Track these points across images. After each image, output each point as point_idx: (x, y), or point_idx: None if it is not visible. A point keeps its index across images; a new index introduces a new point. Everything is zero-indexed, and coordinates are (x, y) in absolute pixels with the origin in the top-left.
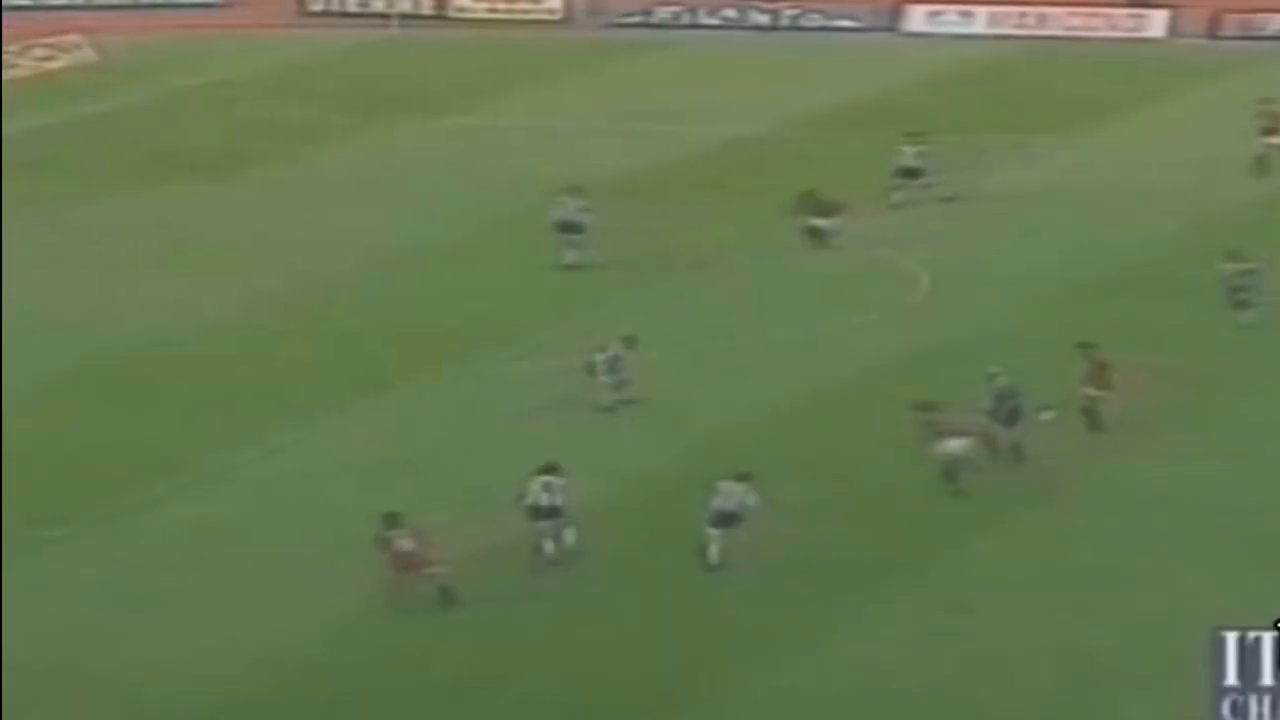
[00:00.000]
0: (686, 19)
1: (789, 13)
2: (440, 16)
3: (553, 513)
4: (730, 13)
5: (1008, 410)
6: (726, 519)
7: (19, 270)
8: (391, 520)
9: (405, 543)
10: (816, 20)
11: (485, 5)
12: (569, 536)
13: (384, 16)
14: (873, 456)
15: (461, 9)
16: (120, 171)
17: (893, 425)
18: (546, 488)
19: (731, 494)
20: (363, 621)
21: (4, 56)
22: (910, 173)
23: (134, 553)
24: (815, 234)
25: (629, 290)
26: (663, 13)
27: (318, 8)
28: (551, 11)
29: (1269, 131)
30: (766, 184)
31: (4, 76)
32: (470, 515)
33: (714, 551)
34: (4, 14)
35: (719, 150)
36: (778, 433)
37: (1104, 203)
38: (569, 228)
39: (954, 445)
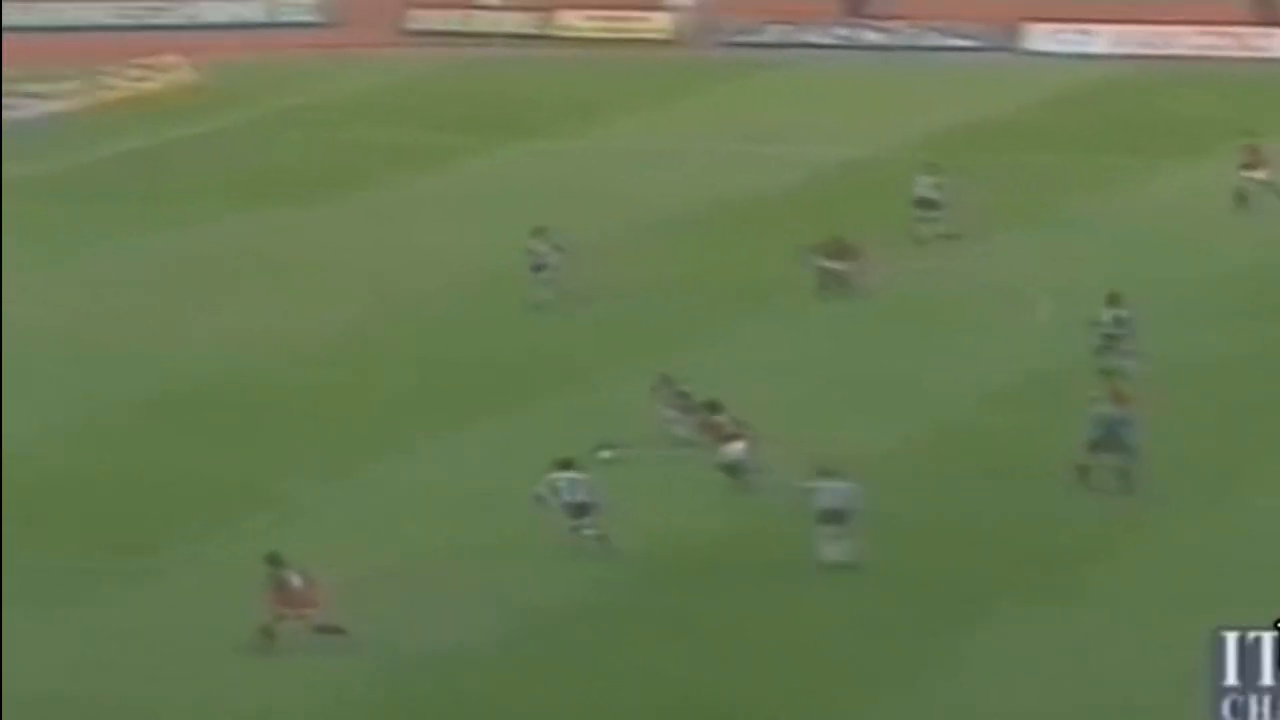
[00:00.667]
0: (798, 38)
1: (904, 32)
2: (545, 36)
3: (584, 509)
4: (843, 32)
5: (1113, 437)
6: (836, 516)
7: (110, 294)
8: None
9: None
10: (932, 39)
11: (593, 24)
12: (601, 528)
13: (487, 36)
14: (988, 485)
15: (568, 27)
16: (215, 195)
17: (1007, 453)
18: (570, 484)
19: (835, 490)
20: (453, 655)
21: (102, 76)
22: (928, 204)
23: (221, 585)
24: (831, 277)
25: (736, 316)
26: (774, 32)
27: (419, 27)
28: (661, 30)
29: (1248, 166)
30: (880, 208)
31: (101, 96)
32: (561, 549)
33: (830, 550)
34: (103, 33)
35: (832, 173)
36: (895, 462)
37: (1227, 223)
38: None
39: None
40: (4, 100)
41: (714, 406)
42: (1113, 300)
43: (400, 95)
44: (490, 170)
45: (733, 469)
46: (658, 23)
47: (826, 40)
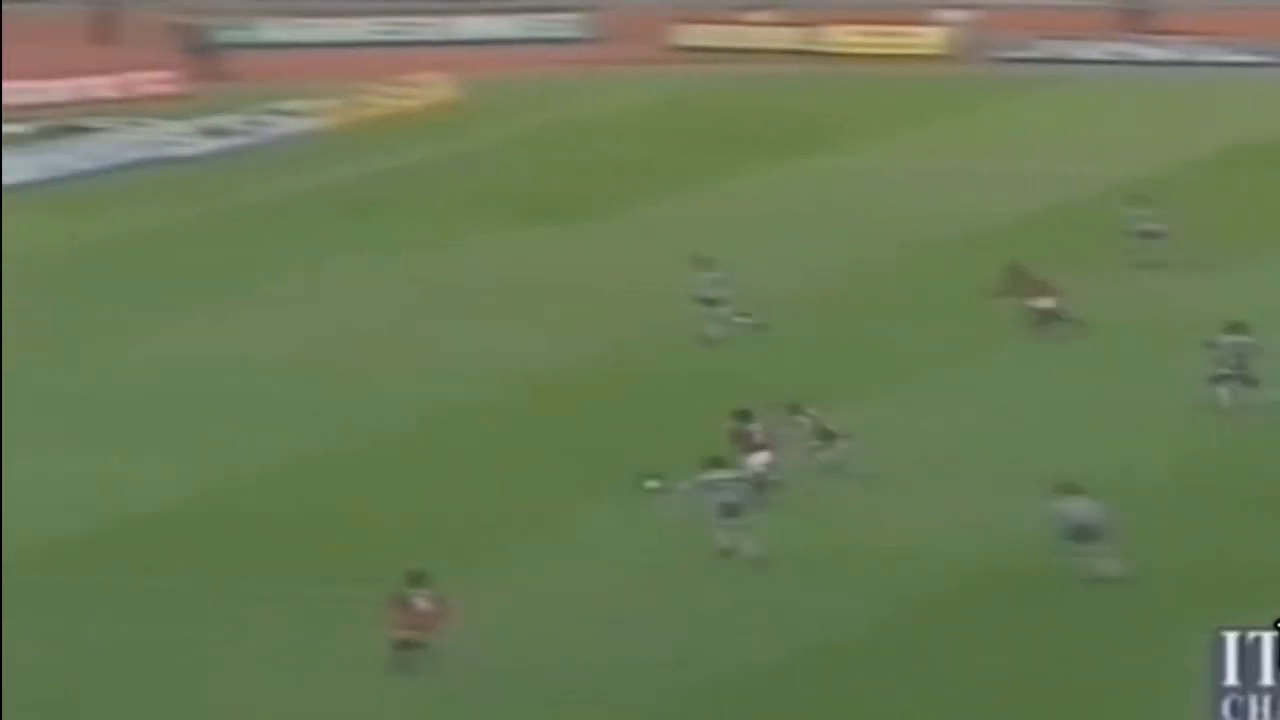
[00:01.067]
0: (1072, 54)
1: (1183, 46)
2: (814, 52)
3: (734, 510)
4: (1119, 47)
5: None
6: (1087, 533)
7: (367, 316)
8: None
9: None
10: (1214, 54)
11: (862, 39)
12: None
13: (754, 51)
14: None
15: (836, 42)
16: (474, 215)
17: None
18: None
19: (1083, 508)
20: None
21: (361, 94)
22: (1150, 234)
23: (491, 619)
24: (1040, 316)
25: (993, 344)
26: (1047, 47)
27: (686, 43)
28: (931, 46)
29: None
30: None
31: (360, 114)
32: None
33: (1089, 567)
34: (363, 50)
35: (1107, 193)
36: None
37: None
38: None
39: None
40: (265, 119)
41: (745, 415)
42: None
43: (664, 112)
44: (753, 189)
45: (757, 481)
46: (928, 38)
47: (1101, 56)
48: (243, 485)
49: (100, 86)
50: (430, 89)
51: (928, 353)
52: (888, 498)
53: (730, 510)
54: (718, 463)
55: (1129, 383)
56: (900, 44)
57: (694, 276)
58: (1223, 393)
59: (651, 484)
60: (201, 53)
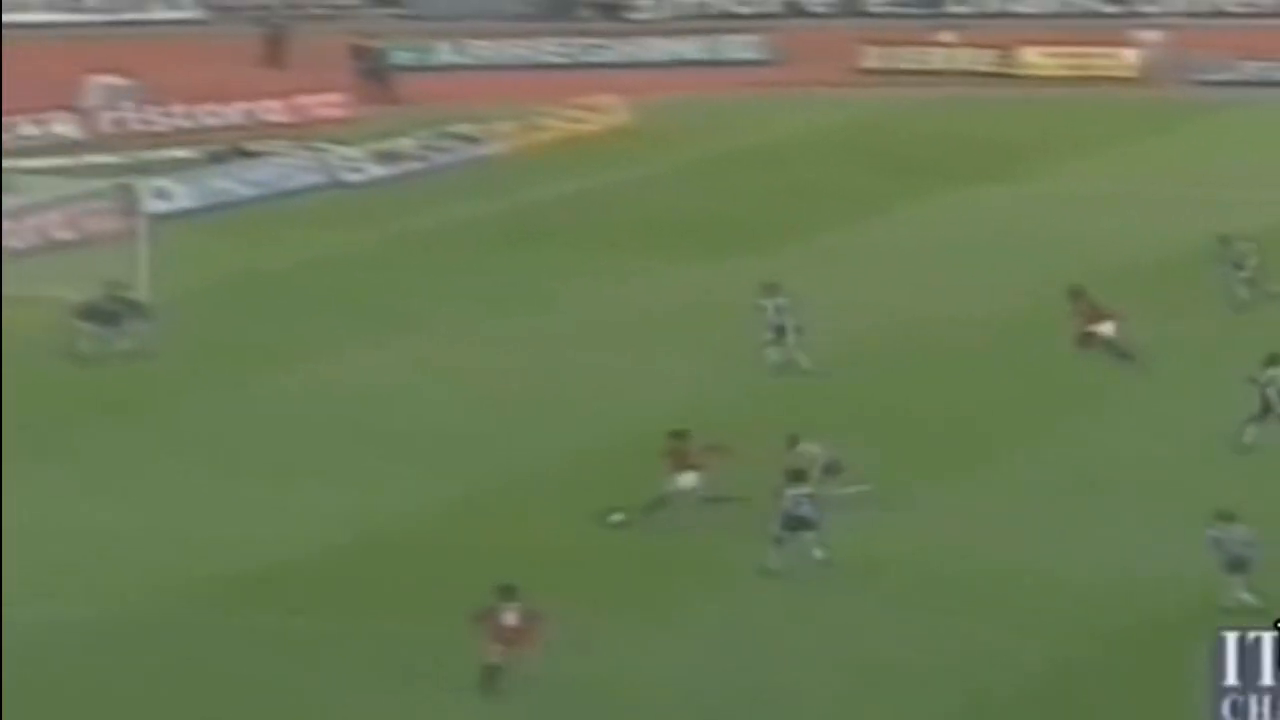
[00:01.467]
0: (1274, 76)
1: None
2: (1005, 74)
3: (803, 523)
4: None
5: None
6: (1239, 564)
7: (543, 347)
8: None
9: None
10: None
11: (1055, 60)
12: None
13: (942, 74)
14: None
15: (1028, 64)
16: (651, 243)
17: None
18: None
19: (1237, 537)
20: None
21: (535, 117)
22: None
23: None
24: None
25: (1194, 378)
26: (1250, 68)
27: (872, 65)
28: (1127, 68)
29: None
30: None
31: (534, 138)
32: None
33: (1233, 596)
34: (538, 73)
35: None
36: None
37: None
38: None
39: None
40: (438, 143)
41: (680, 435)
42: None
43: (849, 136)
44: (939, 215)
45: (662, 501)
46: (1124, 59)
47: None
48: (406, 521)
49: (270, 110)
50: (607, 112)
51: (1101, 375)
52: (1038, 526)
53: (798, 524)
54: (797, 476)
55: None
56: (1095, 66)
57: (761, 303)
58: None
59: (616, 517)
60: (375, 75)
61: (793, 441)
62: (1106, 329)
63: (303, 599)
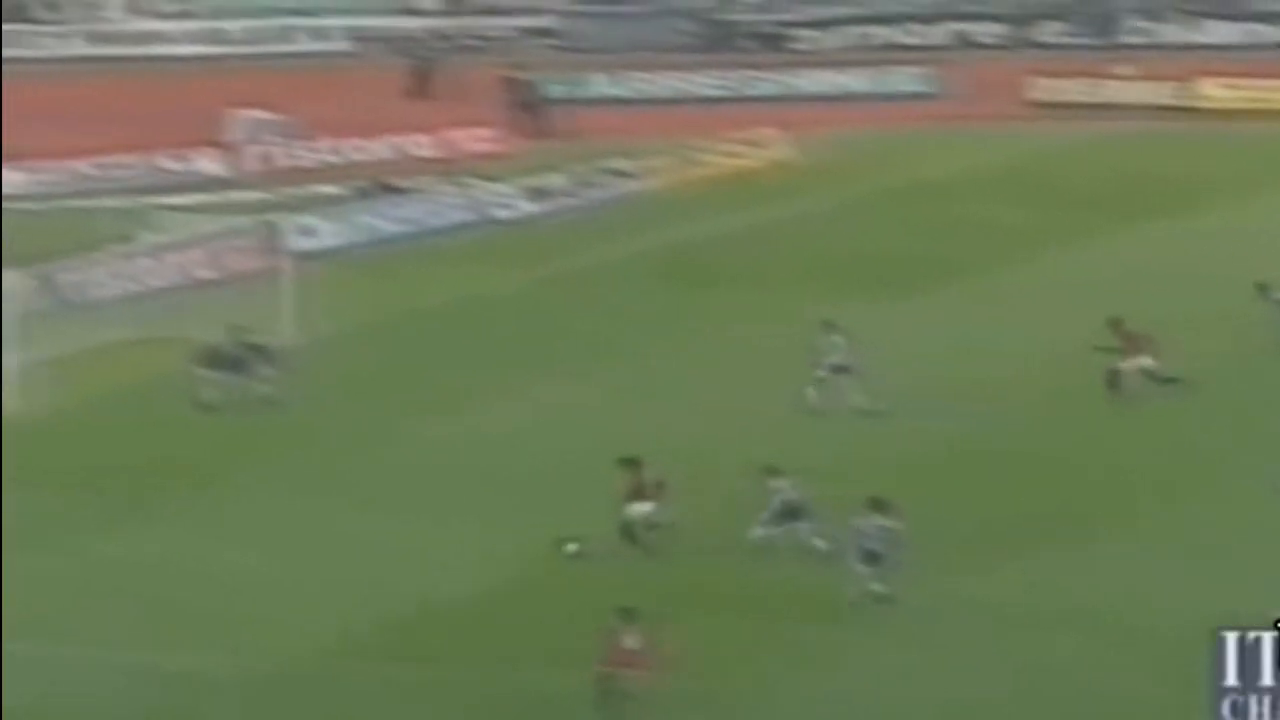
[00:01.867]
0: None
1: None
2: (1183, 107)
3: (872, 557)
4: None
5: None
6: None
7: (695, 391)
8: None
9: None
10: None
11: (1237, 93)
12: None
13: (1118, 107)
14: None
15: (1208, 98)
16: (812, 283)
17: None
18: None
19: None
20: None
21: (693, 152)
22: None
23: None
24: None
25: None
26: None
27: (1044, 98)
28: None
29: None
30: None
31: (691, 174)
32: None
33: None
34: (696, 106)
35: None
36: None
37: None
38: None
39: None
40: (592, 179)
41: (633, 463)
42: None
43: (1021, 172)
44: (1111, 253)
45: (629, 526)
46: None
47: None
48: (556, 567)
49: (419, 145)
50: (768, 147)
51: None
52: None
53: (870, 558)
54: (878, 505)
55: None
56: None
57: (817, 341)
58: None
59: (571, 547)
60: (527, 108)
61: (771, 473)
62: (1145, 362)
63: (450, 647)
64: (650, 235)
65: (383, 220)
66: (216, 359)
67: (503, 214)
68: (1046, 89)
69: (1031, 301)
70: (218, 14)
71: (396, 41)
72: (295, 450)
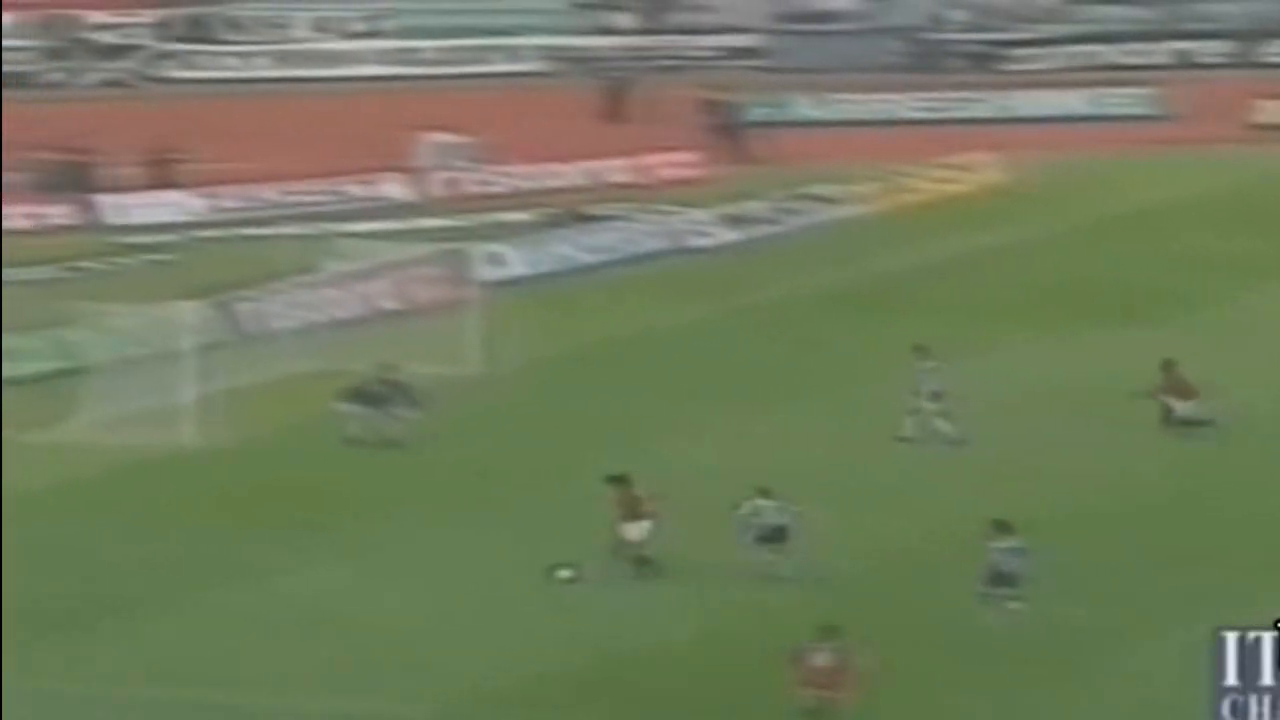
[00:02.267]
0: None
1: None
2: None
3: (1006, 579)
4: None
5: None
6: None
7: (898, 425)
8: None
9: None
10: None
11: None
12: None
13: None
14: None
15: None
16: (1025, 314)
17: None
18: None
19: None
20: None
21: (900, 177)
22: None
23: None
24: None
25: None
26: None
27: (1267, 120)
28: None
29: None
30: None
31: (899, 199)
32: None
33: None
34: (904, 129)
35: None
36: None
37: None
38: None
39: None
40: (794, 205)
41: (623, 480)
42: None
43: (1246, 198)
44: None
45: (621, 546)
46: None
47: None
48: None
49: (614, 170)
50: (979, 171)
51: None
52: None
53: (1003, 580)
54: (1004, 528)
55: None
56: None
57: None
58: None
59: (564, 573)
60: (727, 132)
61: (760, 492)
62: (1190, 407)
63: (627, 702)
64: (853, 264)
65: (575, 249)
66: (359, 395)
67: (700, 242)
68: (1271, 111)
69: (1253, 334)
70: (407, 34)
71: (591, 62)
72: (471, 484)
